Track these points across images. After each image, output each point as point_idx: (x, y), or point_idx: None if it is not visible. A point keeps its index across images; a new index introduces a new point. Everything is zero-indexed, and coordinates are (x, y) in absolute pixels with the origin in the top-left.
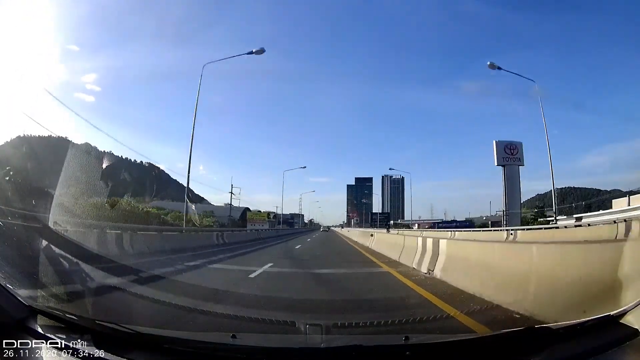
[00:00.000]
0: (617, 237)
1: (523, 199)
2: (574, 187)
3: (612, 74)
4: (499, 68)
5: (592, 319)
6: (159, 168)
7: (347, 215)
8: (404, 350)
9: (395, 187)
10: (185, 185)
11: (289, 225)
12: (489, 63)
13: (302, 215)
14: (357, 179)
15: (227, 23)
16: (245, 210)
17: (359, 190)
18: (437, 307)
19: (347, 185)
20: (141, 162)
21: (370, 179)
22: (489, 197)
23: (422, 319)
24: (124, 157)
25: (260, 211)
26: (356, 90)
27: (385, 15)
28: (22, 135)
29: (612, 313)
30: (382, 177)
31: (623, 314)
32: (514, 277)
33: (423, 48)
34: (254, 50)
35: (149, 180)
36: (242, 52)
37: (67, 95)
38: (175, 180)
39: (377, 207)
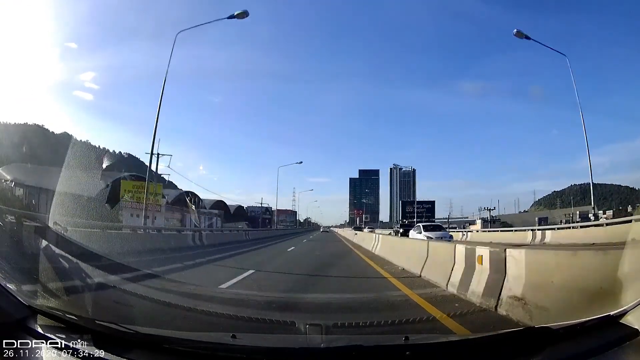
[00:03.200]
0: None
1: (537, 197)
2: (593, 183)
3: (612, 74)
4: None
5: (592, 319)
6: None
7: (350, 214)
8: (404, 350)
9: (405, 181)
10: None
11: (262, 225)
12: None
13: (296, 212)
14: (361, 172)
15: (226, 22)
16: (117, 181)
17: (364, 185)
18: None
19: (350, 179)
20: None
21: (376, 172)
22: (496, 197)
23: (422, 319)
24: (125, 156)
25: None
26: (356, 90)
27: (385, 15)
28: (20, 130)
29: (612, 313)
30: (390, 169)
31: (623, 314)
32: None
33: (423, 47)
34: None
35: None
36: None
37: (66, 93)
38: (177, 184)
39: (384, 204)
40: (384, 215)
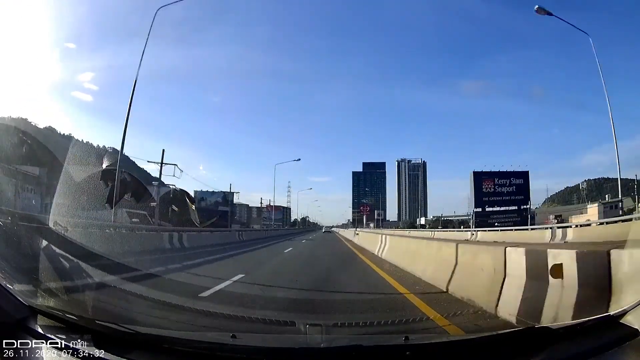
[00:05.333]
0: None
1: (550, 194)
2: (607, 178)
3: (612, 74)
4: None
5: (592, 319)
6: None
7: (354, 212)
8: (404, 350)
9: (414, 176)
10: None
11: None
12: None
13: (289, 209)
14: (365, 165)
15: (227, 22)
16: None
17: (368, 180)
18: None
19: (353, 173)
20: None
21: (382, 165)
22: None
23: (422, 319)
24: (110, 150)
25: None
26: (357, 89)
27: (386, 15)
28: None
29: (612, 313)
30: (398, 162)
31: (623, 314)
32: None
33: (424, 47)
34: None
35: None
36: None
37: (64, 94)
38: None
39: (391, 202)
40: (391, 213)
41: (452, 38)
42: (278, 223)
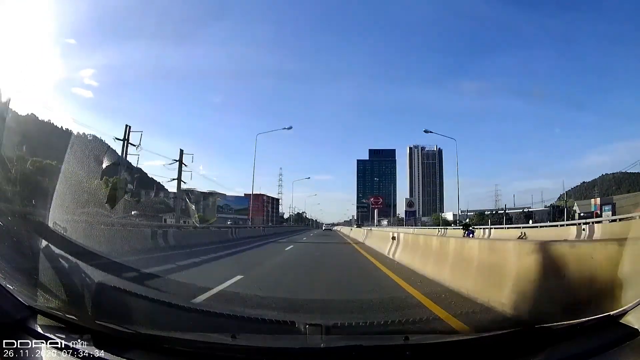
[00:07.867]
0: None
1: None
2: (626, 172)
3: (613, 74)
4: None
5: (592, 319)
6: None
7: (359, 207)
8: (404, 350)
9: (429, 164)
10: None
11: None
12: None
13: (278, 199)
14: (372, 152)
15: (227, 21)
16: None
17: (375, 170)
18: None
19: (358, 162)
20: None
21: (392, 152)
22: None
23: (422, 318)
24: (90, 137)
25: None
26: (359, 88)
27: (386, 15)
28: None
29: (612, 313)
30: (410, 148)
31: (623, 314)
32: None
33: (424, 47)
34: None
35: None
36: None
37: (65, 91)
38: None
39: (401, 196)
40: (401, 209)
41: (452, 38)
42: (240, 216)
